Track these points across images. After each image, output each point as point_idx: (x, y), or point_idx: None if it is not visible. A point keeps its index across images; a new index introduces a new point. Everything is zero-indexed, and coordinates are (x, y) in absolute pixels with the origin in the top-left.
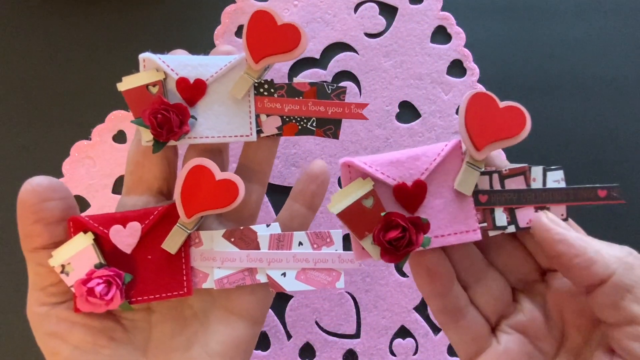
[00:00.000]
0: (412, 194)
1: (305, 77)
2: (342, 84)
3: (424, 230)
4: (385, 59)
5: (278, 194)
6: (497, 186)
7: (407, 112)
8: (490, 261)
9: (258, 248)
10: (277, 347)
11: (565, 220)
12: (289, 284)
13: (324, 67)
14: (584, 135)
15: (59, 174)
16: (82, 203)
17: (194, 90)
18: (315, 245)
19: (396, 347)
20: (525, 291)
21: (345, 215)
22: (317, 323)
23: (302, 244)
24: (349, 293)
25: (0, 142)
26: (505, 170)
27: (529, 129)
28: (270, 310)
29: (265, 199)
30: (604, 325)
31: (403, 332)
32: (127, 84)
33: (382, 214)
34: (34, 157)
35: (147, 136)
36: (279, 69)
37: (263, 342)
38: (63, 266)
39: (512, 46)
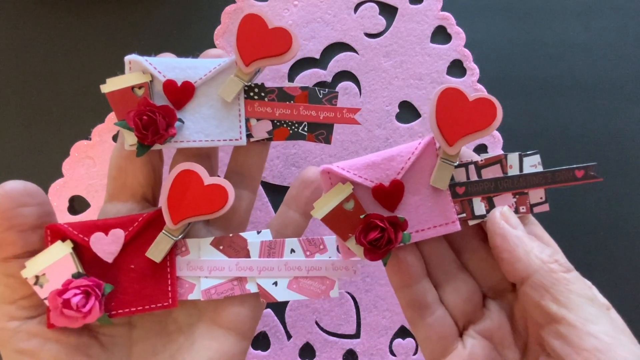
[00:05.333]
0: (390, 194)
1: (305, 77)
2: (342, 84)
3: (402, 228)
4: (385, 59)
5: (278, 194)
6: (474, 177)
7: (407, 112)
8: (464, 264)
9: (248, 256)
10: (277, 347)
11: (544, 203)
12: (281, 294)
13: (324, 67)
14: (584, 135)
15: (59, 174)
16: (82, 203)
17: (181, 92)
18: (308, 253)
19: (396, 347)
20: (496, 299)
21: (329, 220)
22: (317, 323)
23: (294, 251)
24: (349, 293)
25: (0, 142)
26: (481, 160)
27: (500, 120)
28: (270, 310)
29: (265, 199)
30: (538, 326)
31: (403, 332)
32: (111, 85)
33: (362, 216)
34: (34, 157)
35: (130, 139)
36: (278, 69)
37: (263, 342)
38: (37, 277)
39: (512, 46)
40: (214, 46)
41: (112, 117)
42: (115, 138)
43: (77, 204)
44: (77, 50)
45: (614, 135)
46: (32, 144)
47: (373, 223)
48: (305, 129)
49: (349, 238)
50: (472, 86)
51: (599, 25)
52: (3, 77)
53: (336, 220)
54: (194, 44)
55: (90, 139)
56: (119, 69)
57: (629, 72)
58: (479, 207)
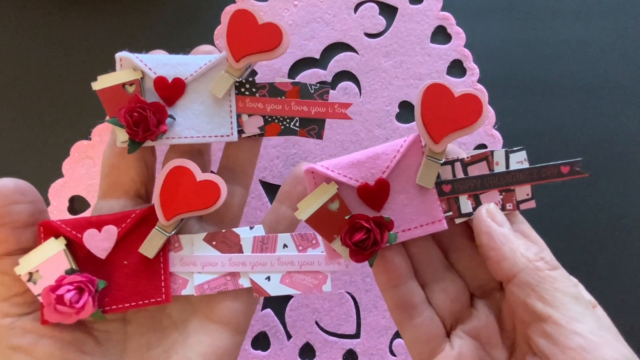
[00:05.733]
0: (375, 193)
1: (305, 77)
2: (342, 84)
3: (388, 228)
4: (385, 59)
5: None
6: (460, 174)
7: (407, 112)
8: (451, 263)
9: (241, 251)
10: (277, 347)
11: (530, 199)
12: (274, 289)
13: (324, 67)
14: (584, 135)
15: (59, 174)
16: (82, 203)
17: (172, 89)
18: (300, 248)
19: (396, 347)
20: (483, 298)
21: (313, 221)
22: (317, 323)
23: (286, 246)
24: (349, 293)
25: (0, 142)
26: (467, 157)
27: (486, 116)
28: (270, 310)
29: (265, 199)
30: (525, 325)
31: None
32: (102, 82)
33: (347, 216)
34: (34, 157)
35: (122, 136)
36: (278, 69)
37: (263, 342)
38: (30, 274)
39: (512, 46)
40: (213, 46)
41: None
42: None
43: (77, 204)
44: (77, 50)
45: (614, 135)
46: (32, 144)
47: (358, 224)
48: (297, 124)
49: (334, 239)
50: (472, 86)
51: (599, 25)
52: (3, 77)
53: (321, 221)
54: (194, 44)
55: (90, 139)
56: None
57: (628, 73)
58: (466, 204)
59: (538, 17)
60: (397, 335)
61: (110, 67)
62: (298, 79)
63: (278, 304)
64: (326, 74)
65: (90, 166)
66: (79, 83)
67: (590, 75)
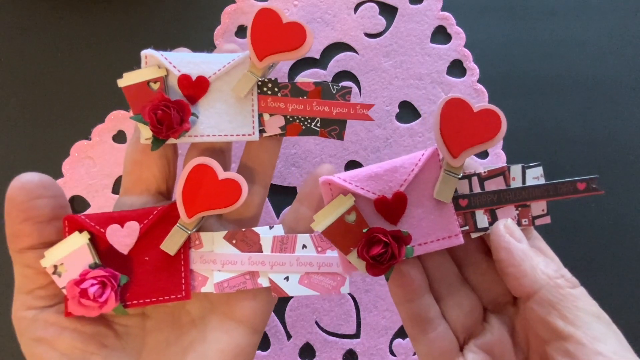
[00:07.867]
0: (392, 206)
1: (305, 77)
2: (342, 83)
3: (405, 242)
4: (385, 59)
5: (278, 194)
6: (477, 189)
7: (407, 112)
8: (465, 278)
9: (260, 251)
10: (277, 347)
11: (545, 215)
12: (292, 289)
13: (324, 67)
14: (584, 135)
15: (59, 174)
16: (82, 203)
17: (196, 87)
18: (319, 249)
19: (396, 347)
20: (496, 312)
21: (330, 233)
22: (317, 323)
23: (306, 247)
24: (349, 293)
25: (0, 142)
26: (484, 172)
27: (504, 132)
28: None
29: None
30: (543, 342)
31: (403, 332)
32: (127, 79)
33: (365, 230)
34: (34, 157)
35: (146, 133)
36: (279, 69)
37: (263, 342)
38: (55, 267)
39: (512, 46)
40: (214, 46)
41: (112, 117)
42: (115, 138)
43: (77, 204)
44: (77, 50)
45: (614, 135)
46: (32, 144)
47: (376, 237)
48: (318, 124)
49: (351, 252)
50: (472, 86)
51: (599, 25)
52: (3, 77)
53: (338, 233)
54: (194, 43)
55: (90, 139)
56: (118, 69)
57: (629, 72)
58: (482, 219)
59: (538, 17)
60: (397, 335)
61: (110, 66)
62: (298, 79)
63: (278, 304)
64: (326, 74)
65: (90, 166)
66: (79, 83)
67: (590, 74)
